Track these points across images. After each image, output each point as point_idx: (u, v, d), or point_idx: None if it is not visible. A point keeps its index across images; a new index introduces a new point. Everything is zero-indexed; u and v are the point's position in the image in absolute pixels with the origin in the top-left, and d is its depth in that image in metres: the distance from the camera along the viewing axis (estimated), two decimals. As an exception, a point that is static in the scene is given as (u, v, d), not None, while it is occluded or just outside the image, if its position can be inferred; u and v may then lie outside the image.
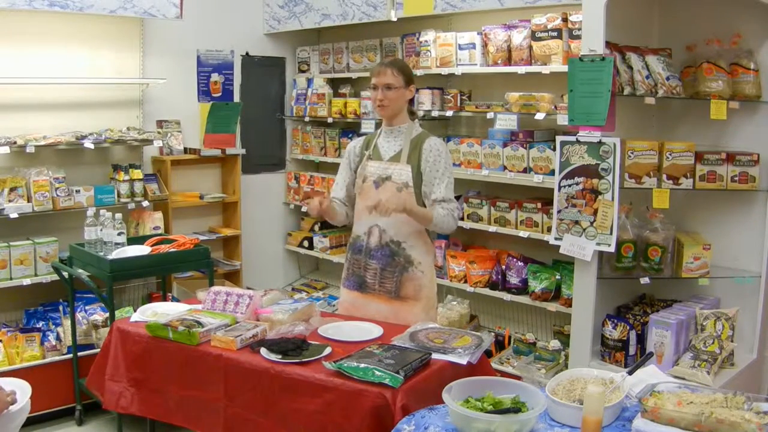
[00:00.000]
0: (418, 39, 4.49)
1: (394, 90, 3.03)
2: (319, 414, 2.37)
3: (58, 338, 4.08)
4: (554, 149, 3.52)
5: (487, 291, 4.21)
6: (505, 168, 3.99)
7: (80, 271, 3.79)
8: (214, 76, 5.19)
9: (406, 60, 4.58)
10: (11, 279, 4.05)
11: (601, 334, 3.35)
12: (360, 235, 3.14)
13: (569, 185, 3.27)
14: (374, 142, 3.18)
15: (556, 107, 3.79)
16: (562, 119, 3.60)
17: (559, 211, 3.32)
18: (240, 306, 2.92)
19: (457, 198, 4.42)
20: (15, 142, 4.01)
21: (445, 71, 4.32)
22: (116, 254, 3.66)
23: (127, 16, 4.35)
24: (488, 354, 3.83)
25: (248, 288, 4.04)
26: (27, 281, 4.08)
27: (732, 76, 3.28)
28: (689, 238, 3.39)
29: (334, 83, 5.36)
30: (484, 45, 4.13)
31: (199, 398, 2.70)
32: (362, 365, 2.32)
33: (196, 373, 2.69)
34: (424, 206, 3.04)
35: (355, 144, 3.26)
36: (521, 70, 3.90)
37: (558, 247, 3.35)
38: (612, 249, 3.18)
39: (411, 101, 3.19)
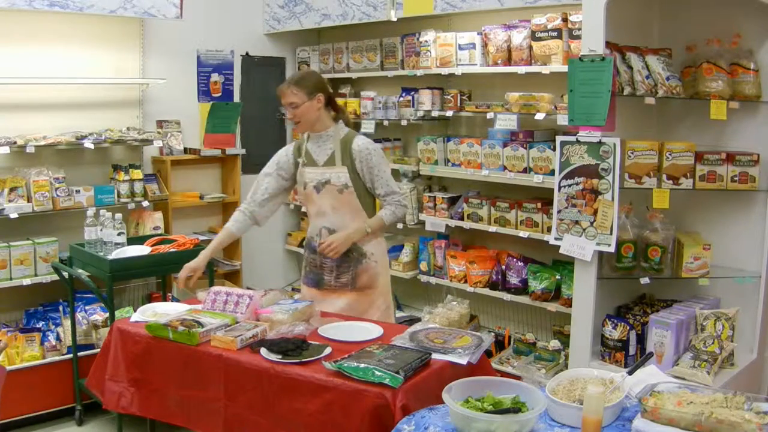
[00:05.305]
0: (418, 39, 4.48)
1: (299, 107, 3.14)
2: (319, 414, 2.37)
3: (58, 338, 4.07)
4: (554, 149, 3.51)
5: (487, 291, 4.21)
6: (505, 168, 3.99)
7: (80, 271, 3.79)
8: (214, 76, 5.19)
9: (406, 60, 4.59)
10: (11, 279, 4.04)
11: (601, 334, 3.35)
12: (313, 236, 3.29)
13: (569, 185, 3.27)
14: (304, 148, 3.27)
15: (556, 107, 3.79)
16: (562, 119, 3.60)
17: (559, 211, 3.32)
18: (240, 306, 2.92)
19: (458, 198, 4.44)
20: (15, 142, 4.00)
21: (445, 71, 4.32)
22: (116, 254, 3.66)
23: (127, 16, 4.35)
24: (488, 354, 3.82)
25: (248, 288, 4.04)
26: (27, 281, 4.08)
27: (732, 76, 3.28)
28: (689, 238, 3.38)
29: (334, 83, 5.35)
30: (484, 45, 4.13)
31: (199, 398, 2.71)
32: (362, 365, 2.32)
33: (196, 373, 2.69)
34: (372, 202, 3.24)
35: (286, 152, 3.35)
36: (521, 70, 3.90)
37: (558, 247, 3.34)
38: (612, 249, 3.18)
39: (332, 105, 3.27)
